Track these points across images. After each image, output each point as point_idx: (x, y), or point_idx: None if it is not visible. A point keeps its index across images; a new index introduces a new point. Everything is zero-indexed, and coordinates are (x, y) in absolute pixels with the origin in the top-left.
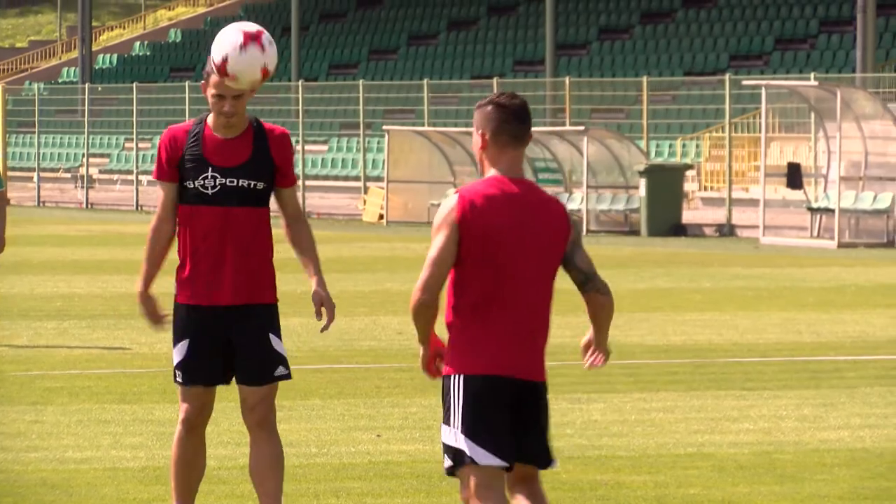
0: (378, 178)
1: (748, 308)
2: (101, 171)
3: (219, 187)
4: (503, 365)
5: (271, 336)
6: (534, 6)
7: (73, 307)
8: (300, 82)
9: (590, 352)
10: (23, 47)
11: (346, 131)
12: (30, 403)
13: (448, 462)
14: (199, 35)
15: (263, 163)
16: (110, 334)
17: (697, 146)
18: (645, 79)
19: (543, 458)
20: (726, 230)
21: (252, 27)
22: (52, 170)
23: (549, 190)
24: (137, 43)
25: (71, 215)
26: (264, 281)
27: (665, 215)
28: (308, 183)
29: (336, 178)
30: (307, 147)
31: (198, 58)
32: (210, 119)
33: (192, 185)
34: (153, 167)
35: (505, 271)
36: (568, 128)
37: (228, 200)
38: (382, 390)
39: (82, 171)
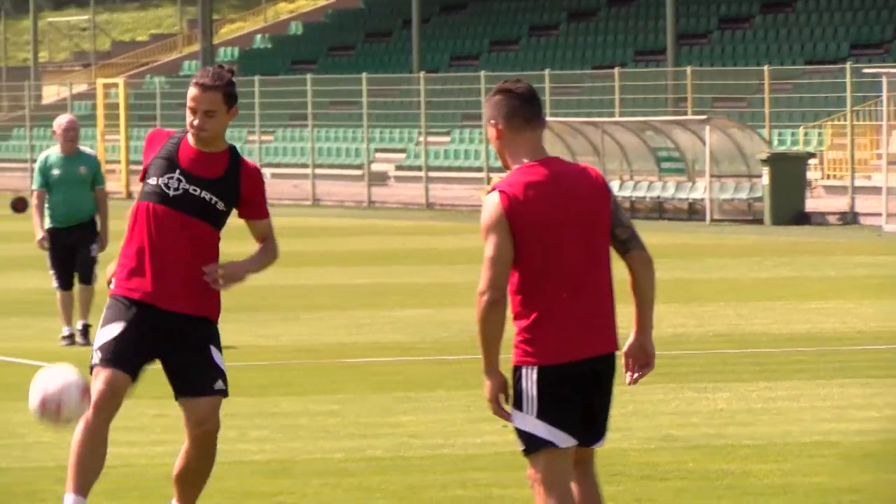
0: (500, 169)
1: (872, 296)
2: None
3: (181, 191)
4: (574, 349)
5: (212, 349)
6: None
7: None
8: (422, 74)
9: (630, 361)
10: (143, 41)
11: (467, 122)
12: (155, 398)
13: (522, 445)
14: (321, 28)
15: (231, 187)
16: (234, 327)
17: (819, 134)
18: (766, 67)
19: (602, 432)
20: (849, 218)
21: (81, 379)
22: None
23: (672, 179)
24: (258, 36)
25: None
26: (212, 297)
27: (788, 204)
28: (430, 174)
29: (459, 169)
30: (429, 139)
31: (319, 51)
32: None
33: (154, 182)
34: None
35: (562, 253)
36: (690, 117)
37: (187, 208)
38: (507, 381)
39: None
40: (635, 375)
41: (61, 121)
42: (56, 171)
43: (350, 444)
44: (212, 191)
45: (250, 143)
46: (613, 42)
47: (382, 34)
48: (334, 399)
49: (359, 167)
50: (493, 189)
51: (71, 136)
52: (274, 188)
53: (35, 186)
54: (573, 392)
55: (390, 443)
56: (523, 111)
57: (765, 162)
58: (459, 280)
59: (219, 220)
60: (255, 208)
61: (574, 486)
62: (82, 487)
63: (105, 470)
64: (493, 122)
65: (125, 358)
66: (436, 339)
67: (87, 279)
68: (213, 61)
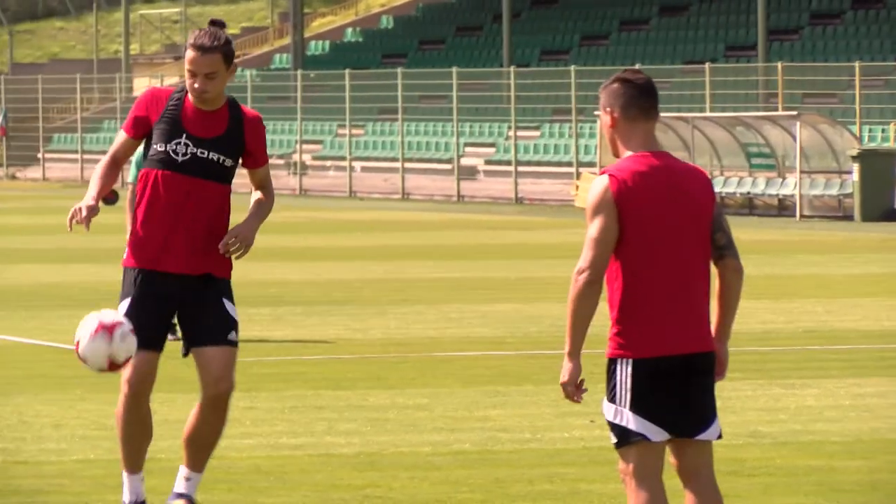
0: (590, 164)
1: None
2: (314, 158)
3: (189, 155)
4: (670, 344)
5: (225, 301)
6: None
7: (287, 293)
8: (512, 68)
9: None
10: (235, 34)
11: (558, 117)
12: (244, 390)
13: (614, 438)
14: (412, 21)
15: (236, 141)
16: (324, 320)
17: None
18: (857, 64)
19: (706, 422)
20: None
21: (110, 318)
22: None
23: (762, 175)
24: (349, 29)
25: (284, 202)
26: (222, 256)
27: (878, 200)
28: (520, 169)
29: (548, 164)
30: (519, 133)
31: (410, 44)
32: None
33: (162, 148)
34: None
35: (666, 246)
36: (780, 113)
37: (197, 171)
38: (595, 376)
39: (295, 157)
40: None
41: None
42: None
43: (438, 437)
44: (218, 150)
45: (340, 136)
46: (704, 37)
47: (473, 28)
48: (423, 393)
49: (448, 161)
50: (603, 172)
51: None
52: (364, 182)
53: (131, 180)
54: (667, 387)
55: (478, 437)
56: (640, 101)
57: (855, 158)
58: (548, 275)
59: (228, 176)
60: (257, 158)
61: (693, 498)
62: (132, 465)
63: None
64: (608, 109)
65: (144, 336)
66: (525, 333)
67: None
68: (303, 55)
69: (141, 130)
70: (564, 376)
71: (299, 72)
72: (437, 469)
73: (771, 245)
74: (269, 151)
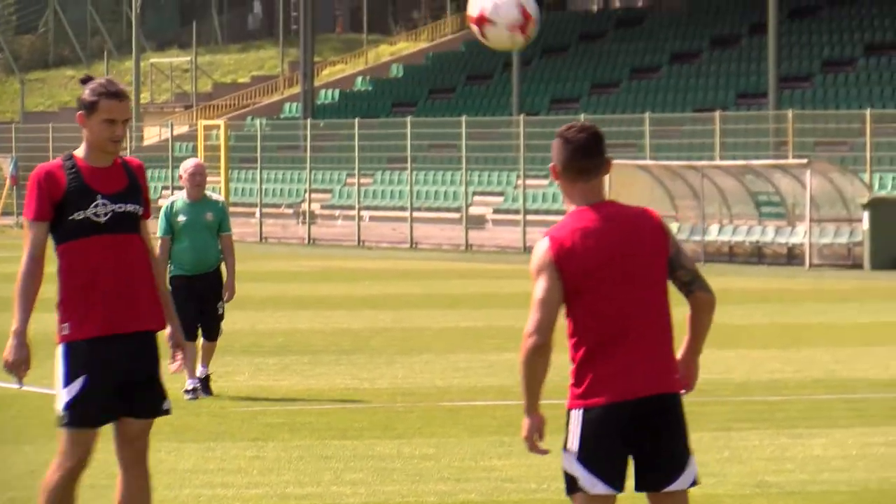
0: None
1: None
2: (322, 207)
3: (110, 213)
4: (621, 390)
5: (159, 365)
6: (756, 39)
7: (294, 343)
8: (521, 117)
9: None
10: (245, 83)
11: None
12: (251, 439)
13: (565, 486)
14: (421, 70)
15: (137, 190)
16: (331, 370)
17: None
18: (868, 111)
19: (671, 475)
20: None
21: None
22: (275, 205)
23: (772, 224)
24: (359, 78)
25: (293, 251)
26: (157, 307)
27: (889, 248)
28: (529, 217)
29: (557, 212)
30: (528, 182)
31: (419, 93)
32: (80, 152)
33: (80, 216)
34: (25, 209)
35: (607, 298)
36: (791, 161)
37: (120, 227)
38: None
39: (304, 206)
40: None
41: (187, 165)
42: (182, 218)
43: (444, 487)
44: (130, 201)
45: (349, 185)
46: (715, 85)
47: (483, 76)
48: (430, 442)
49: (457, 210)
50: (546, 234)
51: (197, 181)
52: (372, 231)
53: (160, 234)
54: (618, 438)
55: (485, 487)
56: (577, 162)
57: (865, 206)
58: (556, 325)
59: (140, 224)
60: (147, 206)
61: None
62: None
63: None
64: (553, 163)
65: (95, 412)
66: None
67: (213, 336)
68: (313, 103)
69: (52, 212)
70: (523, 432)
71: (309, 121)
72: None
73: (780, 294)
74: (277, 200)
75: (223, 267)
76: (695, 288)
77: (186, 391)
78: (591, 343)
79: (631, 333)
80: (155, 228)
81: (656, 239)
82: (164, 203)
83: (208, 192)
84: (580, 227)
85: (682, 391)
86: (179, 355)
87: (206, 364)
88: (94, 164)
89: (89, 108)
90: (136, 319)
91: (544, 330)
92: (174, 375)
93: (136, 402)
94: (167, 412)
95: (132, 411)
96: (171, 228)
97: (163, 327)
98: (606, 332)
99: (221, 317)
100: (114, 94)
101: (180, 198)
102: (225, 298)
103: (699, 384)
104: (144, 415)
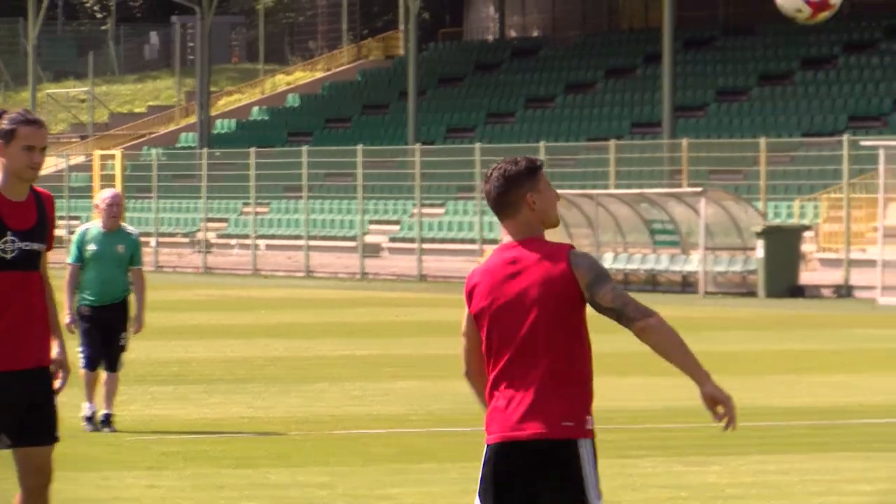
0: (494, 241)
1: (869, 369)
2: (218, 236)
3: (17, 251)
4: (501, 430)
5: (53, 397)
6: (651, 68)
7: (190, 372)
8: (417, 146)
9: (713, 412)
10: (141, 112)
11: (463, 194)
12: (146, 468)
13: None
14: (317, 100)
15: (45, 226)
16: (227, 398)
17: (815, 207)
18: (763, 140)
19: None
20: (844, 291)
21: None
22: (170, 234)
23: (666, 252)
24: (255, 108)
25: (189, 280)
26: (48, 343)
27: (782, 277)
28: (425, 246)
29: (452, 241)
30: (424, 210)
31: (316, 123)
32: None
33: None
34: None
35: (499, 337)
36: (685, 189)
37: (24, 265)
38: None
39: (200, 235)
40: (722, 424)
41: (105, 195)
42: (92, 247)
43: None
44: (37, 239)
45: (245, 213)
46: (609, 114)
47: (379, 106)
48: (325, 471)
49: (353, 239)
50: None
51: (114, 211)
52: (268, 259)
53: (70, 260)
54: (512, 477)
55: None
56: (491, 204)
57: (759, 234)
58: (452, 352)
59: (42, 262)
60: (51, 239)
61: None
62: None
63: None
64: None
65: None
66: (429, 411)
67: (114, 367)
68: (209, 133)
69: None
70: None
71: (205, 150)
72: None
73: (674, 321)
74: (173, 229)
75: (132, 299)
76: (624, 323)
77: (85, 418)
78: (496, 378)
79: (518, 373)
80: (58, 258)
81: (554, 278)
82: (78, 230)
83: (124, 224)
84: (484, 266)
85: (728, 418)
86: (61, 374)
87: (109, 404)
88: (10, 197)
89: (7, 136)
90: (33, 355)
91: (466, 360)
92: (72, 406)
93: (34, 430)
94: (56, 440)
95: (30, 440)
96: (80, 256)
97: (46, 362)
98: (496, 369)
99: (123, 348)
100: (32, 121)
101: (95, 226)
102: (133, 330)
103: (599, 412)
104: (42, 441)
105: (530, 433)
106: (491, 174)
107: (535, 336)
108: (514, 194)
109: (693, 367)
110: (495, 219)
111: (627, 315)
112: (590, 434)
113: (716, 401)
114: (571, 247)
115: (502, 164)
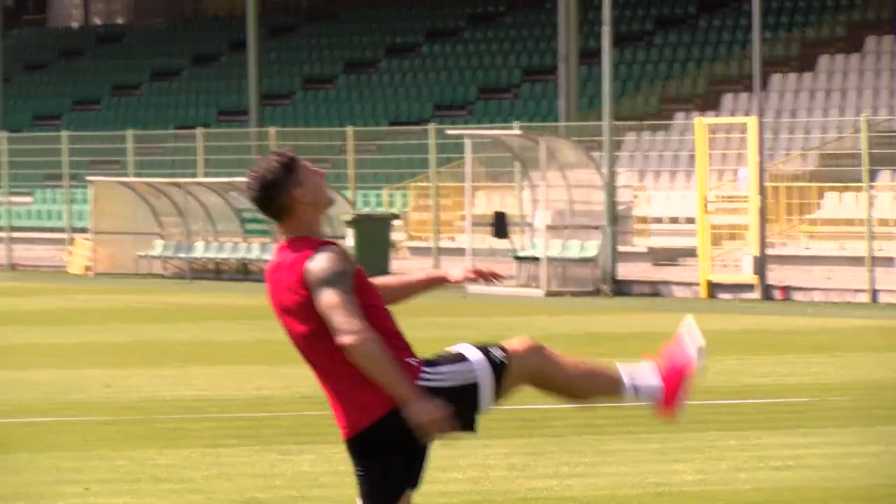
0: (83, 230)
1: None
2: None
3: None
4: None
5: None
6: (237, 56)
7: None
8: (4, 134)
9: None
10: None
11: (51, 182)
12: None
13: None
14: None
15: None
16: None
17: (404, 196)
18: (350, 129)
19: None
20: None
21: None
22: None
23: (257, 241)
24: None
25: None
26: None
27: (373, 265)
28: (14, 235)
29: (41, 229)
30: (12, 199)
31: None
32: None
33: None
34: None
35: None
36: None
37: None
38: (90, 443)
39: None
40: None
41: None
42: None
43: None
44: None
45: None
46: (196, 101)
47: None
48: None
49: None
50: None
51: None
52: None
53: None
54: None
55: None
56: (263, 213)
57: (349, 223)
58: (47, 342)
59: None
60: None
61: None
62: None
63: None
64: None
65: None
66: (18, 400)
67: None
68: None
69: None
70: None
71: None
72: None
73: (265, 311)
74: None
75: None
76: (336, 335)
77: None
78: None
79: (317, 372)
80: None
81: (291, 285)
82: None
83: None
84: (267, 266)
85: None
86: None
87: None
88: None
89: None
90: None
91: None
92: None
93: None
94: None
95: None
96: None
97: None
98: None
99: None
100: None
101: None
102: None
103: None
104: None
105: (344, 435)
106: (250, 186)
107: (308, 336)
108: (281, 198)
109: (395, 385)
110: (84, 207)
111: (331, 326)
112: None
113: (415, 424)
114: (324, 245)
115: (258, 171)
